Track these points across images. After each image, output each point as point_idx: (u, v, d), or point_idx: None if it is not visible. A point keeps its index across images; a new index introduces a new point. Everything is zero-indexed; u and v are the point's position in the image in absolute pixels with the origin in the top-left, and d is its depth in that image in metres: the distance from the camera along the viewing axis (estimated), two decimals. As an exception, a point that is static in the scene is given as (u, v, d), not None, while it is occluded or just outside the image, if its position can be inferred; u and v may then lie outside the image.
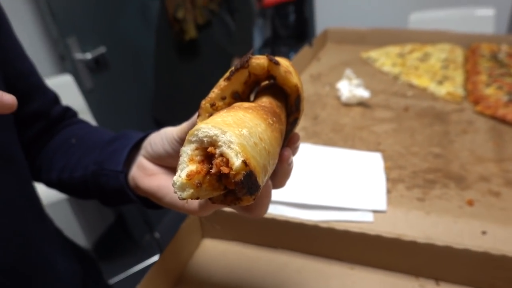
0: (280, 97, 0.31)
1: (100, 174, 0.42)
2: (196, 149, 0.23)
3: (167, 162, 0.38)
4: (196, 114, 0.31)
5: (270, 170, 0.25)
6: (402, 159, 0.68)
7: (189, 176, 0.22)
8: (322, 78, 1.06)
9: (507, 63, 1.00)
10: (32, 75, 0.50)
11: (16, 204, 0.42)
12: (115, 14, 1.71)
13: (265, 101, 0.29)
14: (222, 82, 0.29)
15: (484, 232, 0.50)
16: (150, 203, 0.41)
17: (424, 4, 2.00)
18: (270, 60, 0.28)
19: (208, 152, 0.22)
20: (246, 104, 0.27)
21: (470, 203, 0.55)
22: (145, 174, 0.39)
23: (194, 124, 0.32)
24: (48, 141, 0.52)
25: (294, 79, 0.29)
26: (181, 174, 0.22)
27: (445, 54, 1.10)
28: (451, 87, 0.93)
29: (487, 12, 1.63)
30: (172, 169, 0.39)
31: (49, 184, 0.51)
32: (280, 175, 0.31)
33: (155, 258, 1.72)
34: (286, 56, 4.05)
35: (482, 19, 1.65)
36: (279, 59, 0.29)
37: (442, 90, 0.92)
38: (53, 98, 0.53)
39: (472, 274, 0.45)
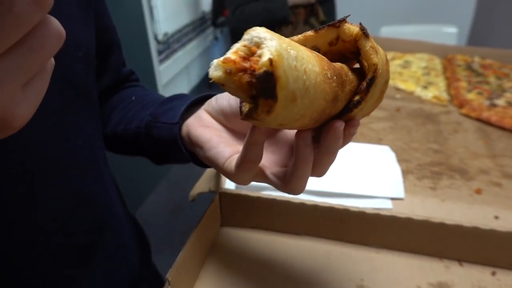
0: (357, 73, 0.30)
1: (154, 126, 0.43)
2: (244, 46, 0.23)
3: (227, 118, 0.37)
4: None
5: (301, 110, 0.25)
6: (405, 154, 0.70)
7: (226, 60, 0.23)
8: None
9: (482, 73, 1.08)
10: (114, 32, 0.52)
11: (93, 141, 0.44)
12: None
13: (338, 64, 0.29)
14: (309, 32, 0.29)
15: (496, 217, 0.53)
16: (196, 159, 0.41)
17: (392, 20, 2.11)
18: (362, 30, 0.28)
19: (252, 52, 0.23)
20: (315, 52, 0.27)
21: (478, 191, 0.58)
22: (200, 124, 0.39)
23: None
24: (110, 97, 0.54)
25: (375, 58, 0.28)
26: (221, 58, 0.23)
27: (424, 62, 1.17)
28: (436, 91, 0.98)
29: (451, 29, 1.76)
30: (228, 128, 0.38)
31: (104, 139, 0.51)
32: (324, 149, 0.29)
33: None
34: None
35: (447, 35, 1.77)
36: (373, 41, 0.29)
37: (428, 94, 0.97)
38: (124, 60, 0.56)
39: (493, 254, 0.47)
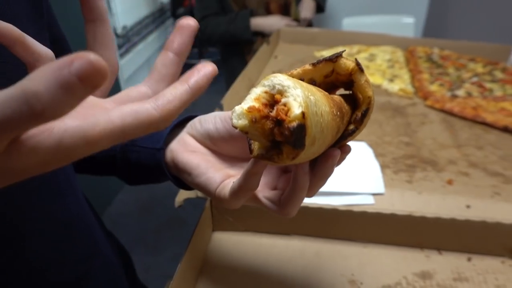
0: (349, 103, 0.32)
1: (131, 151, 0.42)
2: (265, 92, 0.24)
3: (213, 142, 0.37)
4: None
5: (315, 150, 0.26)
6: (379, 148, 0.74)
7: (250, 109, 0.24)
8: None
9: (442, 64, 1.14)
10: (66, 42, 0.49)
11: (68, 166, 0.43)
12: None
13: (337, 97, 0.30)
14: (307, 66, 0.30)
15: (468, 206, 0.57)
16: (180, 182, 0.40)
17: (352, 11, 2.16)
18: (358, 65, 0.29)
19: (274, 99, 0.24)
20: (319, 89, 0.29)
21: (450, 182, 0.63)
22: (186, 149, 0.38)
23: None
24: None
25: (370, 91, 0.30)
26: (244, 105, 0.24)
27: (388, 55, 1.22)
28: (402, 84, 1.03)
29: (409, 20, 1.84)
30: (214, 151, 0.38)
31: None
32: (319, 175, 0.30)
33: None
34: (215, 56, 4.03)
35: (405, 26, 1.84)
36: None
37: (394, 87, 1.02)
38: None
39: (468, 241, 0.51)
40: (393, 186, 0.62)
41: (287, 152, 0.24)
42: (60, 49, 0.47)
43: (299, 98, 0.23)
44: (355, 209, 0.51)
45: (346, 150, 0.31)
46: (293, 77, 0.30)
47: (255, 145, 0.27)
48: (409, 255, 0.52)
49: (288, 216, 0.32)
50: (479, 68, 1.11)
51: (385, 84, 1.04)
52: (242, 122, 0.24)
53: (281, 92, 0.23)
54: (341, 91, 0.32)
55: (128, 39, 2.72)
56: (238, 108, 0.24)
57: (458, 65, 1.14)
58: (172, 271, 0.44)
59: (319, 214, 0.52)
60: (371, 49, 1.26)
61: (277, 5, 1.56)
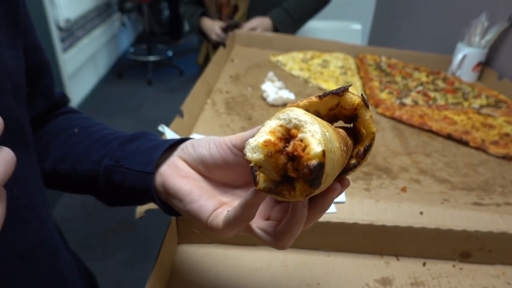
0: (351, 137, 0.32)
1: (116, 172, 0.40)
2: (280, 126, 0.24)
3: (206, 167, 0.36)
4: (258, 127, 0.31)
5: (323, 187, 0.26)
6: (338, 155, 0.76)
7: (266, 143, 0.23)
8: (241, 79, 1.09)
9: (390, 72, 1.21)
10: (42, 51, 0.46)
11: (30, 184, 0.39)
12: None
13: (342, 132, 0.30)
14: (313, 98, 0.30)
15: (421, 213, 0.61)
16: (169, 207, 0.39)
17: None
18: (363, 101, 0.29)
19: (289, 134, 0.24)
20: (328, 123, 0.29)
21: (404, 190, 0.67)
22: (178, 174, 0.36)
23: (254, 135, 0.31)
24: (44, 125, 0.48)
25: (373, 127, 0.30)
26: (259, 139, 0.23)
27: (340, 62, 1.27)
28: (354, 91, 1.07)
29: (357, 26, 1.91)
30: (206, 177, 0.37)
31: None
32: (317, 208, 0.30)
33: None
34: (164, 53, 3.91)
35: (353, 32, 1.92)
36: None
37: (348, 94, 1.06)
38: (53, 81, 0.50)
39: (424, 248, 0.55)
40: (353, 194, 0.64)
41: (301, 189, 0.23)
42: (36, 58, 0.45)
43: (318, 135, 0.22)
44: (319, 219, 0.53)
45: (345, 184, 0.30)
46: (299, 108, 0.30)
47: (260, 178, 0.26)
48: (370, 262, 0.54)
49: (283, 249, 0.32)
50: (423, 77, 1.19)
51: (339, 91, 1.08)
52: (257, 156, 0.23)
53: (298, 127, 0.23)
54: (340, 123, 0.32)
55: (72, 33, 2.57)
56: (253, 141, 0.23)
57: (404, 73, 1.21)
58: (123, 276, 0.42)
59: (286, 225, 0.53)
60: (324, 55, 1.30)
61: (228, 11, 1.56)
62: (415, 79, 1.17)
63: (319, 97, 0.30)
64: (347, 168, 0.30)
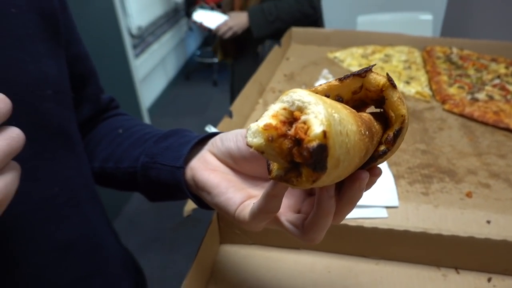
0: (381, 122, 0.29)
1: (152, 168, 0.41)
2: (284, 109, 0.22)
3: (234, 160, 0.36)
4: None
5: (340, 173, 0.24)
6: (394, 156, 0.71)
7: (266, 126, 0.22)
8: (295, 77, 1.07)
9: (461, 65, 1.10)
10: (88, 59, 0.49)
11: (73, 182, 0.42)
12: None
13: (366, 116, 0.28)
14: (333, 81, 0.28)
15: (488, 222, 0.54)
16: (201, 201, 0.39)
17: (368, 9, 2.12)
18: (389, 81, 0.27)
19: (293, 117, 0.22)
20: (347, 106, 0.26)
21: (469, 195, 0.60)
22: (206, 167, 0.37)
23: None
24: (93, 128, 0.52)
25: (403, 109, 0.27)
26: (259, 123, 0.22)
27: (404, 55, 1.18)
28: (419, 87, 1.00)
29: (427, 16, 1.78)
30: (235, 170, 0.37)
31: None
32: (346, 199, 0.28)
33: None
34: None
35: (423, 23, 1.79)
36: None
37: (411, 90, 0.98)
38: (101, 87, 0.53)
39: (489, 261, 0.48)
40: (408, 199, 0.59)
41: (307, 174, 0.22)
42: (81, 66, 0.48)
43: (321, 115, 0.20)
44: (366, 225, 0.49)
45: (376, 173, 0.29)
46: (317, 93, 0.28)
47: (274, 166, 0.25)
48: (425, 274, 0.50)
49: (312, 243, 0.30)
50: (502, 69, 1.06)
51: (401, 87, 1.01)
52: (257, 140, 0.22)
53: (301, 109, 0.21)
54: (372, 109, 0.30)
55: (143, 40, 2.74)
56: (254, 126, 0.22)
57: (478, 65, 1.09)
58: (187, 269, 0.43)
59: (329, 229, 0.50)
60: (387, 49, 1.22)
61: (239, 2, 1.54)
62: (492, 72, 1.05)
63: (340, 80, 0.28)
64: (376, 156, 0.28)
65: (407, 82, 1.02)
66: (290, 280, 0.49)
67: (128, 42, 2.42)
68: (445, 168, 0.68)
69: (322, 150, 0.20)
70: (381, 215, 0.56)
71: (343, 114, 0.23)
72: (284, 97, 0.22)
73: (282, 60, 1.19)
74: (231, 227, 0.53)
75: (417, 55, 1.18)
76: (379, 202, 0.57)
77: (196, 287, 0.46)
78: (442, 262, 0.50)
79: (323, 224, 0.29)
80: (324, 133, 0.20)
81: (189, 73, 3.73)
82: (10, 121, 0.35)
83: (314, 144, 0.20)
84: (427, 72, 1.08)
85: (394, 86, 0.27)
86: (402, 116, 0.27)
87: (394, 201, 0.58)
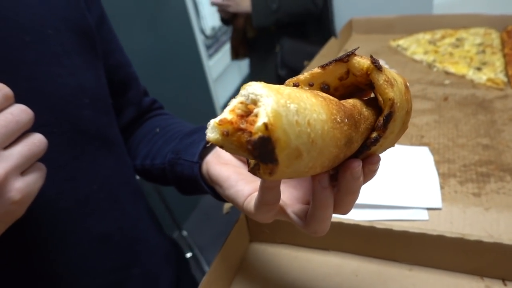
0: (373, 105, 0.28)
1: (177, 163, 0.45)
2: (241, 103, 0.22)
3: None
4: None
5: (311, 163, 0.24)
6: (449, 152, 0.65)
7: (221, 122, 0.22)
8: (352, 70, 1.03)
9: (549, 45, 0.95)
10: (128, 66, 0.54)
11: (112, 180, 0.46)
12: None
13: (350, 102, 0.27)
14: (316, 69, 0.28)
15: (551, 228, 0.47)
16: (217, 194, 0.41)
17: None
18: (373, 63, 0.26)
19: (249, 110, 0.22)
20: (323, 94, 0.25)
21: (531, 196, 0.52)
22: (219, 161, 0.39)
23: None
24: (136, 129, 0.56)
25: (391, 92, 0.26)
26: (215, 119, 0.23)
27: (479, 38, 1.06)
28: (492, 73, 0.89)
29: (518, -9, 1.56)
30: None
31: (135, 171, 0.54)
32: (343, 190, 0.28)
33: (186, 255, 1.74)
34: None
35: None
36: (387, 69, 0.27)
37: (482, 77, 0.88)
38: (144, 90, 0.58)
39: (544, 273, 0.42)
40: (455, 200, 0.54)
41: (263, 167, 0.22)
42: (122, 73, 0.53)
43: (268, 107, 0.20)
44: (395, 228, 0.46)
45: (372, 161, 0.28)
46: (299, 82, 0.28)
47: (251, 161, 0.25)
48: (465, 284, 0.45)
49: (316, 235, 0.30)
50: None
51: (471, 74, 0.91)
52: (213, 135, 0.22)
53: (255, 102, 0.22)
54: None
55: (216, 40, 2.85)
56: (212, 121, 0.23)
57: None
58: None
59: (356, 231, 0.48)
60: (459, 32, 1.11)
61: None
62: None
63: (322, 67, 0.27)
64: (368, 143, 0.27)
65: (478, 69, 0.92)
66: (314, 282, 0.48)
67: (201, 42, 2.54)
68: (508, 165, 0.60)
69: (265, 142, 0.20)
70: (421, 217, 0.52)
71: (306, 104, 0.22)
72: (242, 91, 0.22)
73: (339, 52, 1.15)
74: (260, 226, 0.54)
75: (494, 37, 1.05)
76: (419, 203, 0.53)
77: (220, 281, 0.47)
78: (486, 272, 0.45)
79: (322, 216, 0.28)
80: (266, 125, 0.20)
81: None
82: (52, 128, 0.40)
83: (256, 137, 0.20)
84: (504, 55, 0.96)
85: (379, 68, 0.25)
86: (390, 99, 0.26)
87: (437, 203, 0.53)
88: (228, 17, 1.57)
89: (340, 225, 0.48)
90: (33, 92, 0.37)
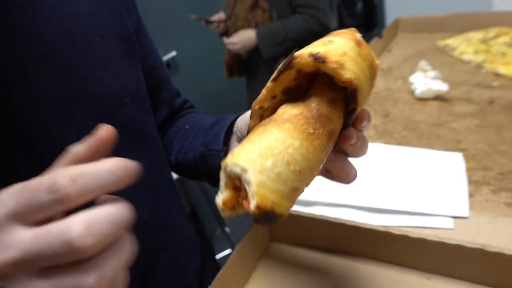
0: (338, 87, 0.29)
1: (207, 155, 0.48)
2: (229, 178, 0.26)
3: None
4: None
5: (306, 184, 0.27)
6: (487, 159, 0.62)
7: (224, 203, 0.26)
8: (393, 71, 1.00)
9: None
10: (162, 69, 0.59)
11: (148, 172, 0.50)
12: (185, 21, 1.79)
13: (313, 100, 0.28)
14: (269, 84, 0.30)
15: None
16: None
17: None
18: (315, 59, 0.27)
19: (237, 186, 0.26)
20: (286, 115, 0.28)
21: None
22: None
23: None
24: (170, 128, 0.61)
25: (345, 74, 0.27)
26: (218, 200, 0.26)
27: (539, 36, 0.98)
28: (546, 74, 0.82)
29: None
30: None
31: (170, 166, 0.58)
32: (350, 151, 0.32)
33: (226, 252, 1.78)
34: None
35: None
36: (330, 49, 0.28)
37: (534, 78, 0.82)
38: (176, 91, 0.63)
39: None
40: (485, 209, 0.51)
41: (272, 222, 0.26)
42: (156, 76, 0.57)
43: (252, 186, 0.24)
44: (412, 235, 0.45)
45: (361, 120, 0.32)
46: (262, 102, 0.30)
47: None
48: (485, 297, 0.43)
49: (347, 183, 0.36)
50: None
51: (521, 75, 0.85)
52: (225, 213, 0.27)
53: (238, 177, 0.25)
54: None
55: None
56: (219, 203, 0.27)
57: None
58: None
59: (372, 235, 0.48)
60: (516, 30, 1.03)
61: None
62: None
63: (274, 80, 0.29)
64: (348, 118, 0.30)
65: (532, 69, 0.85)
66: (329, 285, 0.49)
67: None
68: (551, 175, 0.56)
69: (266, 214, 0.24)
70: (446, 226, 0.50)
71: (279, 144, 0.25)
72: (223, 171, 0.26)
73: (382, 52, 1.12)
74: (280, 226, 0.55)
75: (556, 35, 0.97)
76: (444, 210, 0.51)
77: (236, 276, 0.49)
78: (508, 285, 0.43)
79: (347, 171, 0.34)
80: (258, 206, 0.23)
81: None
82: (98, 123, 0.45)
83: (256, 215, 0.24)
84: None
85: (321, 61, 0.27)
86: (347, 81, 0.27)
87: (463, 211, 0.51)
88: (222, 32, 1.52)
89: (357, 229, 0.48)
90: (82, 92, 0.42)
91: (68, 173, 0.22)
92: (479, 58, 0.96)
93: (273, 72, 1.14)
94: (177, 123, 0.61)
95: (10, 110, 0.37)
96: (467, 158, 0.62)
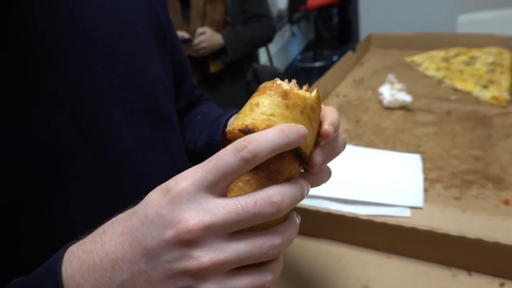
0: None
1: (213, 145, 0.54)
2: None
3: None
4: None
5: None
6: (441, 161, 0.71)
7: None
8: (364, 82, 1.10)
9: (558, 67, 0.99)
10: (186, 62, 0.64)
11: (175, 154, 0.54)
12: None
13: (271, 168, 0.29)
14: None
15: (518, 230, 0.53)
16: None
17: (473, 5, 1.95)
18: (246, 133, 0.29)
19: None
20: (240, 183, 0.30)
21: (506, 202, 0.58)
22: None
23: None
24: (185, 117, 0.66)
25: (256, 122, 0.29)
26: None
27: (492, 57, 1.11)
28: (496, 91, 0.94)
29: (542, 12, 1.58)
30: None
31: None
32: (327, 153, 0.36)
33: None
34: (329, 59, 4.01)
35: (536, 20, 1.59)
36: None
37: (486, 94, 0.93)
38: (195, 84, 0.68)
39: (501, 266, 0.48)
40: (437, 202, 0.60)
41: None
42: (179, 68, 0.62)
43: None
44: (376, 219, 0.53)
45: (313, 166, 0.34)
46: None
47: None
48: (433, 272, 0.51)
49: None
50: None
51: (477, 91, 0.96)
52: None
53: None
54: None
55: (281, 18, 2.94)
56: None
57: None
58: None
59: (342, 221, 0.55)
60: (473, 51, 1.16)
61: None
62: None
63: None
64: (303, 163, 0.32)
65: (485, 86, 0.97)
66: (306, 264, 0.56)
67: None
68: (493, 175, 0.65)
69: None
70: (404, 214, 0.59)
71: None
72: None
73: (355, 65, 1.22)
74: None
75: (506, 57, 1.10)
76: (403, 201, 0.60)
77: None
78: (453, 262, 0.51)
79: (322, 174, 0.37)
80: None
81: (290, 77, 3.87)
82: (138, 106, 0.49)
83: None
84: (512, 75, 1.00)
85: (250, 133, 0.29)
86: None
87: (419, 202, 0.60)
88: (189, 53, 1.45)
89: (328, 215, 0.56)
90: (126, 76, 0.46)
91: (244, 139, 0.27)
92: (440, 74, 1.08)
93: (248, 82, 1.18)
94: (191, 112, 0.66)
95: (66, 90, 0.40)
96: (424, 160, 0.71)
